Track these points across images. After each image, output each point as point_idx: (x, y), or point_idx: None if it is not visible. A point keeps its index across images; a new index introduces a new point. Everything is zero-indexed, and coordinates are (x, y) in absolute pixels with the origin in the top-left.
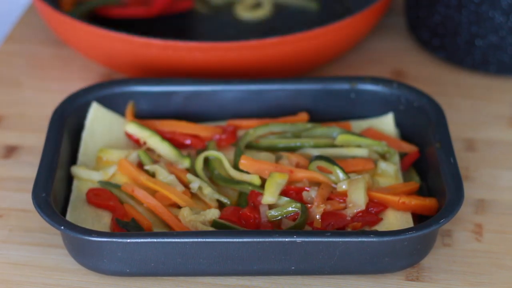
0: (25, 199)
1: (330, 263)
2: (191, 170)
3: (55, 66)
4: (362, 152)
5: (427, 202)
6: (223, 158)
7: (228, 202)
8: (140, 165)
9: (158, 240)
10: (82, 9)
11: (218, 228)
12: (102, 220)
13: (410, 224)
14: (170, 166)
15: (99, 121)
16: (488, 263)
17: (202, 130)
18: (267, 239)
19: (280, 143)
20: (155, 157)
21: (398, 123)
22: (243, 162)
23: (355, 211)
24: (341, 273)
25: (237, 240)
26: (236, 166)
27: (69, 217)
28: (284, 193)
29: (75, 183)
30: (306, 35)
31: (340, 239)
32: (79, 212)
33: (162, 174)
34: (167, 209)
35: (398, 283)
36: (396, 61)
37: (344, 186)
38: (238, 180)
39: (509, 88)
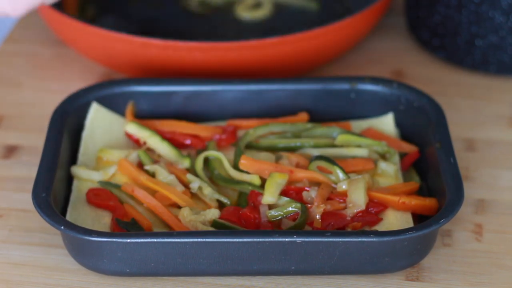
0: (25, 199)
1: (330, 263)
2: (191, 170)
3: (55, 66)
4: (362, 152)
5: (427, 202)
6: (223, 158)
7: (228, 202)
8: (140, 165)
9: (158, 240)
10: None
11: (218, 228)
12: (102, 220)
13: (410, 224)
14: (170, 166)
15: (99, 121)
16: (488, 263)
17: (202, 130)
18: (267, 239)
19: (280, 143)
20: (155, 157)
21: (398, 123)
22: (243, 162)
23: (355, 211)
24: (341, 273)
25: (237, 240)
26: (236, 166)
27: (69, 217)
28: (284, 193)
29: (75, 183)
30: (306, 35)
31: (340, 239)
32: (79, 212)
33: (162, 174)
34: (167, 209)
35: (398, 283)
36: (396, 61)
37: (344, 186)
38: (238, 180)
39: (509, 88)
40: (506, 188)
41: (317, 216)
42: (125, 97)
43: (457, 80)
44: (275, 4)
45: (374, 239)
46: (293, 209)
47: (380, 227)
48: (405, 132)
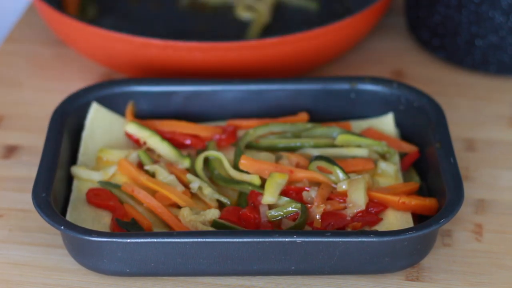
0: (25, 199)
1: (330, 263)
2: (191, 170)
3: (55, 66)
4: (362, 152)
5: (427, 202)
6: (223, 158)
7: (228, 202)
8: (140, 165)
9: (158, 240)
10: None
11: (218, 228)
12: (102, 220)
13: (410, 224)
14: (170, 166)
15: (99, 121)
16: (488, 263)
17: (202, 130)
18: (267, 239)
19: (280, 143)
20: (155, 157)
21: (398, 123)
22: (243, 162)
23: (355, 211)
24: (341, 273)
25: (237, 240)
26: (236, 166)
27: (69, 217)
28: (284, 193)
29: (75, 183)
30: (306, 35)
31: (340, 239)
32: (79, 212)
33: (162, 174)
34: (167, 209)
35: (398, 283)
36: (396, 61)
37: (344, 186)
38: (238, 180)
39: (509, 88)
40: (506, 188)
41: (317, 216)
42: (125, 97)
43: (457, 80)
44: (275, 4)
45: (374, 239)
46: (293, 209)
47: (380, 227)
48: (405, 132)
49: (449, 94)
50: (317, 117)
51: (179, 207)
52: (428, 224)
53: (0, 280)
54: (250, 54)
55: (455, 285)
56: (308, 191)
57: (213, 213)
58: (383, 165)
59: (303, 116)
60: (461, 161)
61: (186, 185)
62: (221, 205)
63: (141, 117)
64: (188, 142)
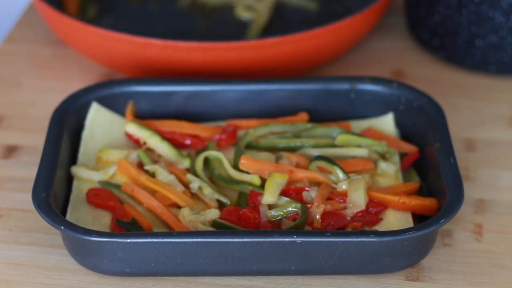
0: (25, 199)
1: (330, 263)
2: (191, 170)
3: (55, 66)
4: (362, 152)
5: (427, 202)
6: (223, 158)
7: (228, 202)
8: (140, 165)
9: (158, 240)
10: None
11: (218, 228)
12: (102, 220)
13: (410, 224)
14: (170, 166)
15: (99, 121)
16: (488, 263)
17: (202, 130)
18: (267, 239)
19: (280, 143)
20: (155, 157)
21: (398, 123)
22: (243, 162)
23: (355, 211)
24: (341, 273)
25: (237, 240)
26: (236, 166)
27: (69, 217)
28: (284, 193)
29: (75, 183)
30: (306, 35)
31: (340, 239)
32: (79, 212)
33: (162, 174)
34: (167, 209)
35: (398, 283)
36: (396, 61)
37: (344, 186)
38: (238, 180)
39: (509, 88)
40: (506, 188)
41: (317, 216)
42: (125, 97)
43: (457, 80)
44: (275, 4)
45: (374, 239)
46: (293, 209)
47: (380, 227)
48: (405, 132)
49: (449, 94)
50: (317, 117)
51: (179, 207)
52: (428, 224)
53: (0, 280)
54: (250, 54)
55: (455, 285)
56: (308, 191)
57: (213, 213)
58: (383, 165)
59: (303, 116)
60: (461, 161)
61: (186, 185)
62: (221, 205)
63: (141, 117)
64: (188, 142)
